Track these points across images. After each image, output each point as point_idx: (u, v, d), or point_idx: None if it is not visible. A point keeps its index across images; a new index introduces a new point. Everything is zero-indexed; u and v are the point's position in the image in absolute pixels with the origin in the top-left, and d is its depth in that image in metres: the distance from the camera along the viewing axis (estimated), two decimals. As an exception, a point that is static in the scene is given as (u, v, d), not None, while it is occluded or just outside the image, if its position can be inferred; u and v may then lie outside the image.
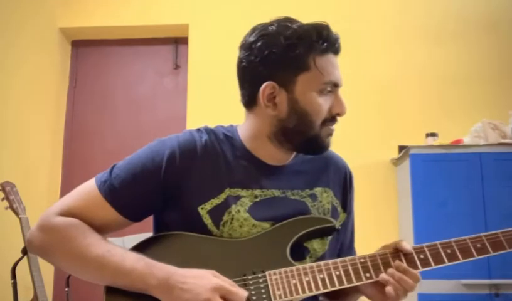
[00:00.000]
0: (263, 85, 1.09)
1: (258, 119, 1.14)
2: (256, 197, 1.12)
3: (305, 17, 1.18)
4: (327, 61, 1.10)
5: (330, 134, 1.14)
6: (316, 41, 1.08)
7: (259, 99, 1.11)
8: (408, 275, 1.02)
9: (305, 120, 1.10)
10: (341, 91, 1.14)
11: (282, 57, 1.08)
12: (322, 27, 1.10)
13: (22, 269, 2.40)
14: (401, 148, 3.16)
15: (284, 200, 1.13)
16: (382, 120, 3.37)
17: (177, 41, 3.73)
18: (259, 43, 1.10)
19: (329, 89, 1.10)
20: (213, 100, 3.43)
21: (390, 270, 1.03)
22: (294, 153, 1.20)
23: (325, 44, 1.09)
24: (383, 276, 1.03)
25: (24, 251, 2.36)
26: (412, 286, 1.02)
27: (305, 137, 1.12)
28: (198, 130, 1.17)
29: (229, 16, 3.57)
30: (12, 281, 2.35)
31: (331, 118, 1.12)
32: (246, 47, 1.13)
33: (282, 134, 1.12)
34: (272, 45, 1.09)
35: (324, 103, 1.10)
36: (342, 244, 1.24)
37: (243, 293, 0.96)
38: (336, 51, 1.13)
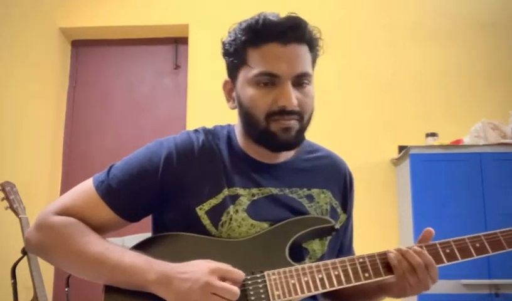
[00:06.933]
0: (222, 82, 1.17)
1: (238, 119, 1.18)
2: (253, 195, 1.11)
3: (304, 16, 1.18)
4: (263, 52, 1.06)
5: (285, 129, 1.06)
6: (250, 33, 1.08)
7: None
8: (417, 254, 1.02)
9: (247, 114, 1.10)
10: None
11: (227, 54, 1.14)
12: (255, 18, 1.08)
13: (22, 269, 2.40)
14: (401, 148, 3.15)
15: (282, 198, 1.13)
16: (382, 120, 3.36)
17: (177, 41, 3.72)
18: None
19: (264, 81, 1.06)
20: (213, 100, 3.41)
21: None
22: (293, 152, 1.19)
23: (257, 35, 1.06)
24: (390, 253, 1.03)
25: (24, 251, 2.36)
26: (418, 263, 1.01)
27: (256, 130, 1.09)
28: (196, 130, 1.18)
29: (229, 16, 3.54)
30: (12, 281, 2.35)
31: (279, 112, 1.05)
32: None
33: (244, 128, 1.14)
34: (226, 47, 1.15)
35: (259, 96, 1.06)
36: (342, 245, 1.24)
37: (241, 272, 0.98)
38: (280, 38, 1.05)
